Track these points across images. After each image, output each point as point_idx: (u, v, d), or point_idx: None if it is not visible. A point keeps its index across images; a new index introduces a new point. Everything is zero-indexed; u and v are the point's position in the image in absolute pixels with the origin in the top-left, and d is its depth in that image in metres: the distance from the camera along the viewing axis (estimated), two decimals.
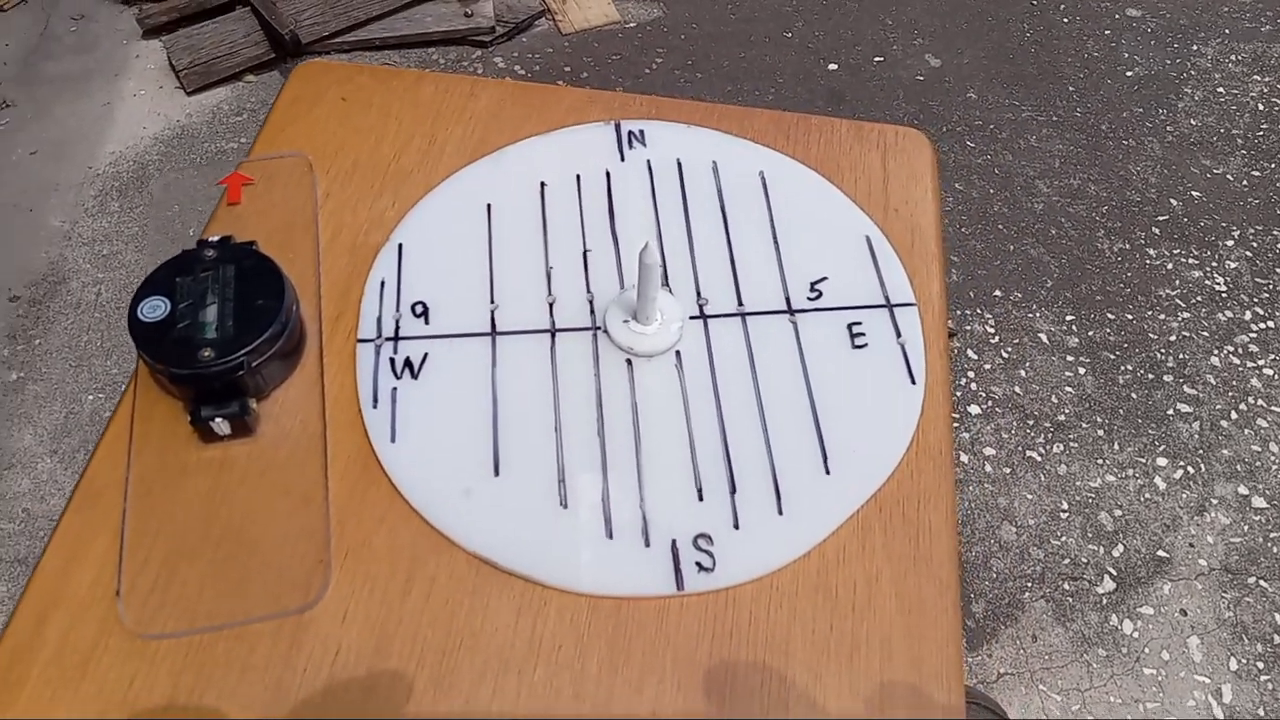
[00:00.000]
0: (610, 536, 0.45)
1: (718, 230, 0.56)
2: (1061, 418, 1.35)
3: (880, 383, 0.50)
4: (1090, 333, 1.44)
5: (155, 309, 0.47)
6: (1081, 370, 1.40)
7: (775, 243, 0.55)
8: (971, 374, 1.39)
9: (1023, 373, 1.39)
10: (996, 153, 1.67)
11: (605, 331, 0.51)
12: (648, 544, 0.44)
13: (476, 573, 0.44)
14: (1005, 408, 1.36)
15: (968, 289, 1.48)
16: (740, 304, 0.52)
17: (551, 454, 0.47)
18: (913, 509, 0.47)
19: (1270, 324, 1.46)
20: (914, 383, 0.50)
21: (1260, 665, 1.17)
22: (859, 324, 0.52)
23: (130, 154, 1.64)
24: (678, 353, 0.51)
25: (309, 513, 0.45)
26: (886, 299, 0.53)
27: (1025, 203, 1.59)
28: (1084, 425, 1.35)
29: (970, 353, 1.41)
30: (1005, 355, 1.41)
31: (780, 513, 0.46)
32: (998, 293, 1.48)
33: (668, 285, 0.53)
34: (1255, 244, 1.55)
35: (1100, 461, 1.31)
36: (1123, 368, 1.40)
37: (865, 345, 0.51)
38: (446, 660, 0.42)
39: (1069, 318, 1.45)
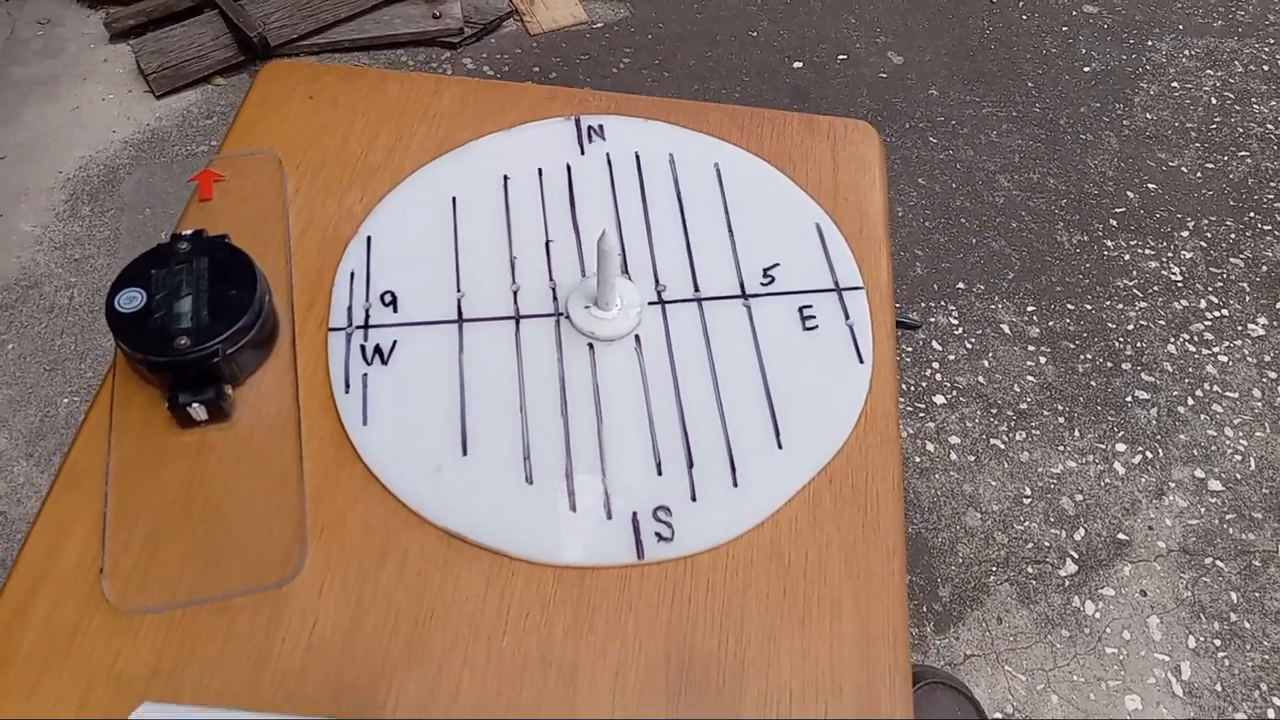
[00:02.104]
0: (574, 510, 0.47)
1: (674, 220, 0.58)
2: (1024, 406, 1.38)
3: (830, 362, 0.52)
4: (1050, 323, 1.47)
5: (132, 300, 0.49)
6: (1043, 360, 1.43)
7: (730, 231, 0.58)
8: (936, 364, 1.42)
9: (986, 363, 1.42)
10: (958, 148, 1.70)
11: (568, 317, 0.53)
12: (609, 516, 0.47)
13: (447, 547, 0.46)
14: (969, 397, 1.39)
15: (931, 281, 1.51)
16: (697, 290, 0.55)
17: (517, 433, 0.49)
18: (861, 481, 0.49)
19: (1224, 312, 1.50)
20: (862, 362, 0.52)
21: (1217, 643, 1.21)
22: (809, 307, 0.54)
23: (100, 158, 1.64)
24: (637, 337, 0.53)
25: (285, 493, 0.47)
26: (836, 283, 0.55)
27: (987, 197, 1.63)
28: (1045, 413, 1.38)
29: (935, 344, 1.44)
30: (969, 346, 1.44)
31: (735, 485, 0.48)
32: (961, 285, 1.51)
33: (627, 273, 0.55)
34: (1209, 234, 1.59)
35: (1061, 448, 1.35)
36: (1082, 356, 1.44)
37: (816, 327, 0.54)
38: (420, 629, 0.44)
39: (1030, 308, 1.49)
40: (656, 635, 0.44)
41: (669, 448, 0.49)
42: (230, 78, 1.77)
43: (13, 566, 0.45)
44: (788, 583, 0.46)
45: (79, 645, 0.43)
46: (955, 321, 1.47)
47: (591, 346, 0.52)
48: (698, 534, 0.46)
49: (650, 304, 0.54)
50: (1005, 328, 1.46)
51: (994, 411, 1.38)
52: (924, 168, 1.66)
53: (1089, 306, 1.49)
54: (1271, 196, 1.65)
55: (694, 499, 0.47)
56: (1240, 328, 1.48)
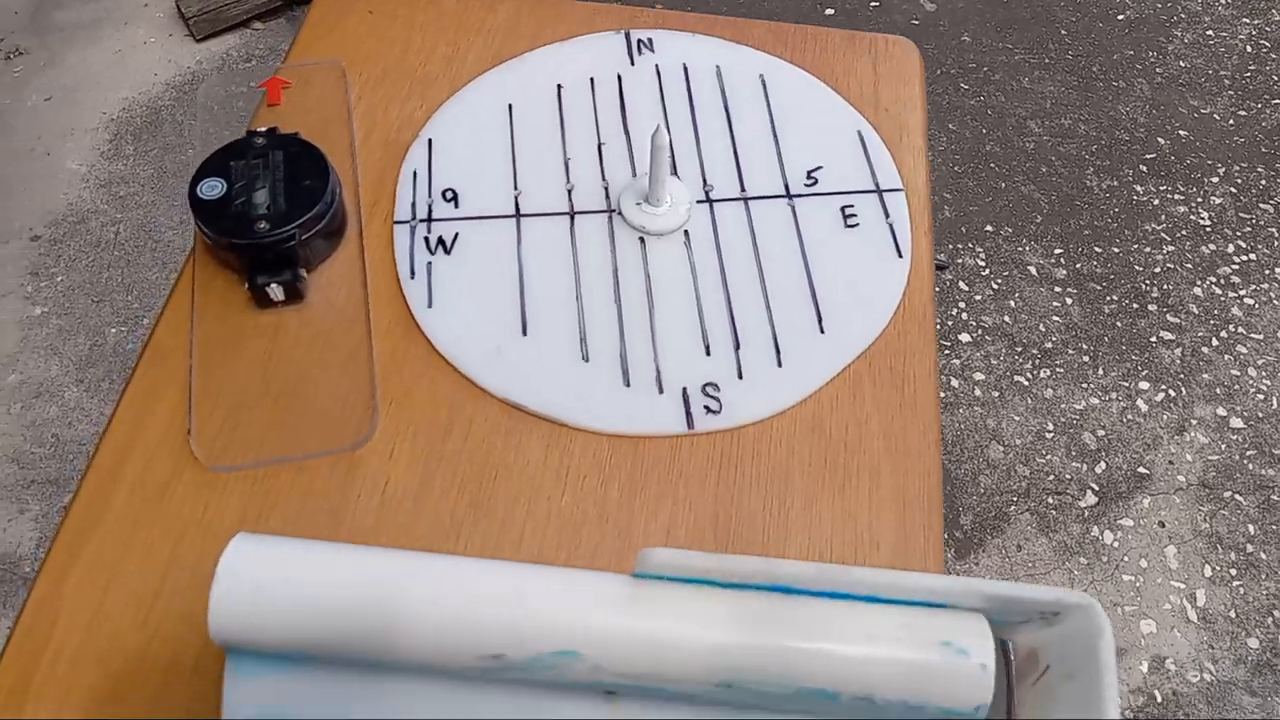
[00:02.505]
0: (628, 385, 0.50)
1: (722, 127, 0.60)
2: (1049, 345, 1.40)
3: (870, 257, 0.55)
4: (1078, 265, 1.49)
5: (213, 188, 0.52)
6: (1069, 300, 1.45)
7: (775, 137, 0.60)
8: (962, 304, 1.44)
9: (1012, 303, 1.44)
10: (989, 94, 1.71)
11: (619, 213, 0.56)
12: (661, 391, 0.50)
13: (509, 417, 0.49)
14: (994, 336, 1.41)
15: (959, 224, 1.53)
16: (743, 190, 0.57)
17: (574, 317, 0.52)
18: (899, 363, 0.52)
19: (1252, 256, 1.51)
20: (900, 256, 0.55)
21: (1233, 572, 1.24)
22: (850, 207, 0.57)
23: (143, 99, 1.68)
24: (686, 232, 0.56)
25: (356, 368, 0.50)
26: (876, 185, 0.58)
27: (1017, 142, 1.64)
28: (1070, 352, 1.40)
29: (962, 284, 1.46)
30: (995, 286, 1.46)
31: (780, 365, 0.51)
32: (989, 228, 1.52)
33: (676, 174, 0.58)
34: (1240, 180, 1.60)
35: (1085, 385, 1.37)
36: (1108, 298, 1.45)
37: (856, 225, 0.56)
38: (484, 488, 0.47)
39: (1057, 251, 1.50)
40: (705, 497, 0.47)
41: (717, 331, 0.52)
42: (268, 22, 1.79)
43: (101, 437, 0.49)
44: (829, 453, 0.49)
45: (169, 500, 0.47)
46: (982, 263, 1.49)
47: (643, 241, 0.55)
48: (744, 408, 0.49)
49: (699, 203, 0.57)
50: (1032, 269, 1.48)
51: (1019, 350, 1.40)
52: (954, 114, 1.67)
53: (1116, 250, 1.50)
54: None
55: (740, 377, 0.50)
56: (1267, 271, 1.49)
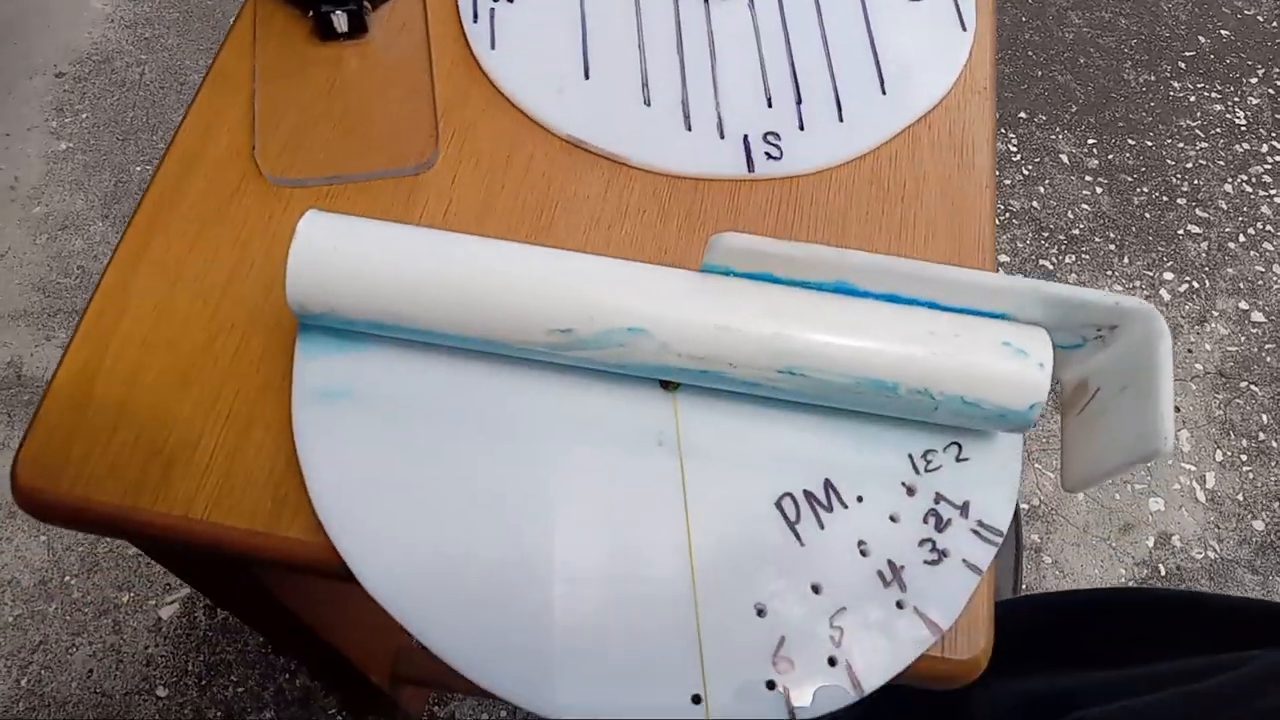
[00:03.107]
0: (689, 129, 0.50)
1: None
2: (1076, 232, 1.40)
3: (935, 28, 0.54)
4: (1110, 156, 1.47)
5: None
6: (1099, 190, 1.44)
7: None
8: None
9: (1041, 189, 1.43)
10: None
11: None
12: (722, 136, 0.50)
13: (569, 154, 0.50)
14: (1022, 220, 1.41)
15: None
16: None
17: (636, 65, 0.52)
18: (958, 129, 0.52)
19: None
20: (964, 29, 0.55)
21: (1244, 458, 1.25)
22: None
23: None
24: None
25: (418, 100, 0.50)
26: None
27: (1056, 32, 1.61)
28: (1096, 240, 1.40)
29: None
30: (1025, 173, 1.45)
31: (841, 120, 0.51)
32: (1023, 115, 1.51)
33: None
34: (1279, 82, 1.57)
35: (1109, 272, 1.37)
36: (1139, 189, 1.45)
37: None
38: (544, 216, 0.48)
39: (1090, 141, 1.49)
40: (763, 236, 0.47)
41: (779, 86, 0.52)
42: None
43: (167, 149, 0.49)
44: (886, 204, 0.49)
45: (235, 208, 0.47)
46: (1014, 149, 1.47)
47: (706, 2, 0.55)
48: (804, 157, 0.50)
49: None
50: (1064, 158, 1.47)
51: (1045, 235, 1.39)
52: None
53: (1150, 143, 1.49)
54: None
55: (801, 128, 0.50)
56: None
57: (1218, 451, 1.25)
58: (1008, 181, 1.44)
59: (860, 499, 0.39)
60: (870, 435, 0.40)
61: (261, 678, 1.05)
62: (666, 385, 0.41)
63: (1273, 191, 1.46)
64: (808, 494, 0.39)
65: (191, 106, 0.50)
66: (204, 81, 0.51)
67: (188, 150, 0.49)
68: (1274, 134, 1.52)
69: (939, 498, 0.39)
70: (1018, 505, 1.14)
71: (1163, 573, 1.18)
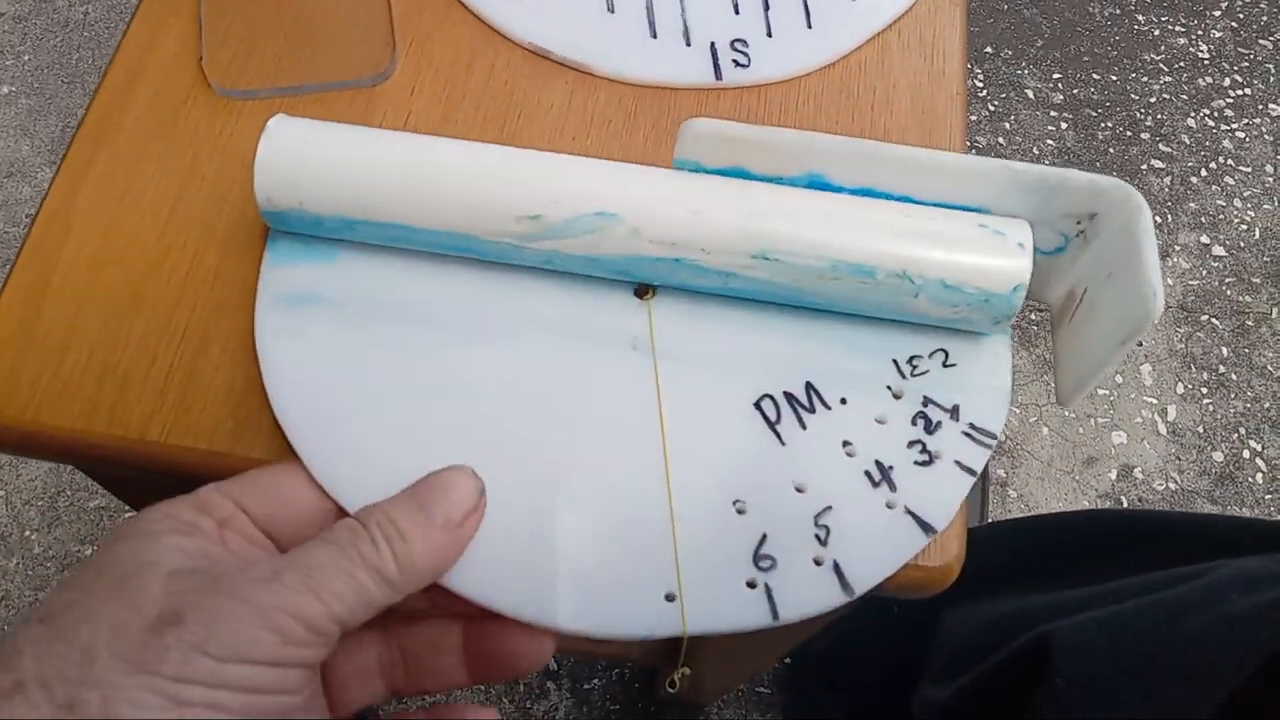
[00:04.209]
0: (654, 37, 0.49)
1: None
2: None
3: None
4: (1075, 91, 1.47)
5: None
6: (1064, 125, 1.44)
7: None
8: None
9: (1007, 125, 1.43)
10: None
11: None
12: (688, 44, 0.49)
13: (531, 62, 0.48)
14: (988, 155, 1.40)
15: None
16: None
17: None
18: (929, 36, 0.51)
19: (1247, 90, 1.50)
20: None
21: (1204, 390, 1.27)
22: None
23: None
24: None
25: (373, 9, 0.49)
26: None
27: None
28: None
29: None
30: (991, 108, 1.45)
31: (809, 26, 0.50)
32: (989, 49, 1.50)
33: None
34: (1241, 15, 1.58)
35: None
36: (1103, 124, 1.45)
37: None
38: (508, 126, 0.46)
39: (1056, 76, 1.48)
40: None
41: None
42: None
43: (111, 59, 0.47)
44: (856, 113, 0.48)
45: (185, 119, 0.45)
46: (980, 84, 1.47)
47: None
48: (773, 65, 0.48)
49: None
50: (1030, 93, 1.46)
51: None
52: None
53: (1114, 78, 1.49)
54: None
55: (770, 35, 0.49)
56: (1261, 106, 1.48)
57: (1179, 384, 1.27)
58: (975, 117, 1.43)
59: (844, 401, 0.38)
60: (852, 340, 0.39)
61: None
62: (641, 295, 0.40)
63: (1234, 126, 1.46)
64: (788, 395, 0.38)
65: (134, 17, 0.48)
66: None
67: (132, 62, 0.47)
68: (1236, 67, 1.52)
69: (927, 401, 0.38)
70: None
71: (1125, 504, 1.20)
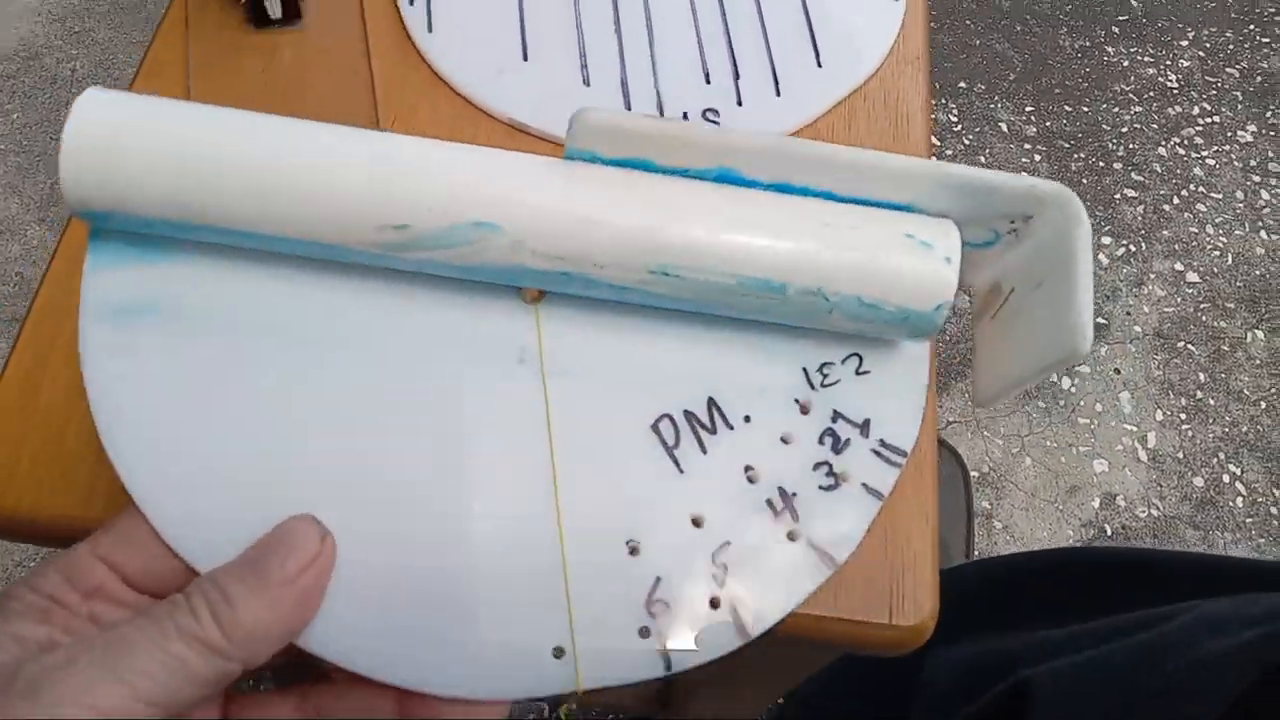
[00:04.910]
0: (629, 108, 0.50)
1: None
2: None
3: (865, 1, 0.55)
4: (1048, 123, 1.50)
5: None
6: (1038, 157, 1.47)
7: None
8: (933, 159, 1.45)
9: (982, 158, 1.46)
10: None
11: None
12: (662, 114, 0.50)
13: (512, 136, 0.50)
14: None
15: (934, 80, 1.53)
16: None
17: (574, 43, 0.52)
18: (893, 100, 0.53)
19: (1215, 119, 1.53)
20: (895, 0, 0.55)
21: (1183, 416, 1.29)
22: None
23: None
24: None
25: (356, 86, 0.50)
26: None
27: (993, 0, 1.63)
28: None
29: (934, 139, 1.47)
30: (966, 142, 1.47)
31: (778, 95, 0.51)
32: (962, 84, 1.53)
33: None
34: (1208, 45, 1.61)
35: None
36: (1076, 155, 1.47)
37: None
38: None
39: (1029, 108, 1.51)
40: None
41: (716, 62, 0.52)
42: None
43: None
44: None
45: None
46: (955, 119, 1.49)
47: None
48: None
49: None
50: (1003, 126, 1.49)
51: None
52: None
53: (1086, 109, 1.52)
54: (1272, 10, 1.66)
55: (740, 104, 0.51)
56: (1230, 134, 1.51)
57: (1158, 411, 1.29)
58: (950, 151, 1.46)
59: (748, 419, 0.35)
60: (760, 347, 0.36)
61: None
62: (529, 298, 0.36)
63: (1204, 154, 1.49)
64: (688, 414, 0.34)
65: (132, 84, 0.49)
66: (137, 74, 0.50)
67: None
68: (1204, 95, 1.56)
69: (836, 415, 0.35)
70: (965, 466, 1.17)
71: (1109, 532, 1.21)
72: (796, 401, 0.35)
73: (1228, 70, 1.58)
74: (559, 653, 0.31)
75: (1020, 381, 0.34)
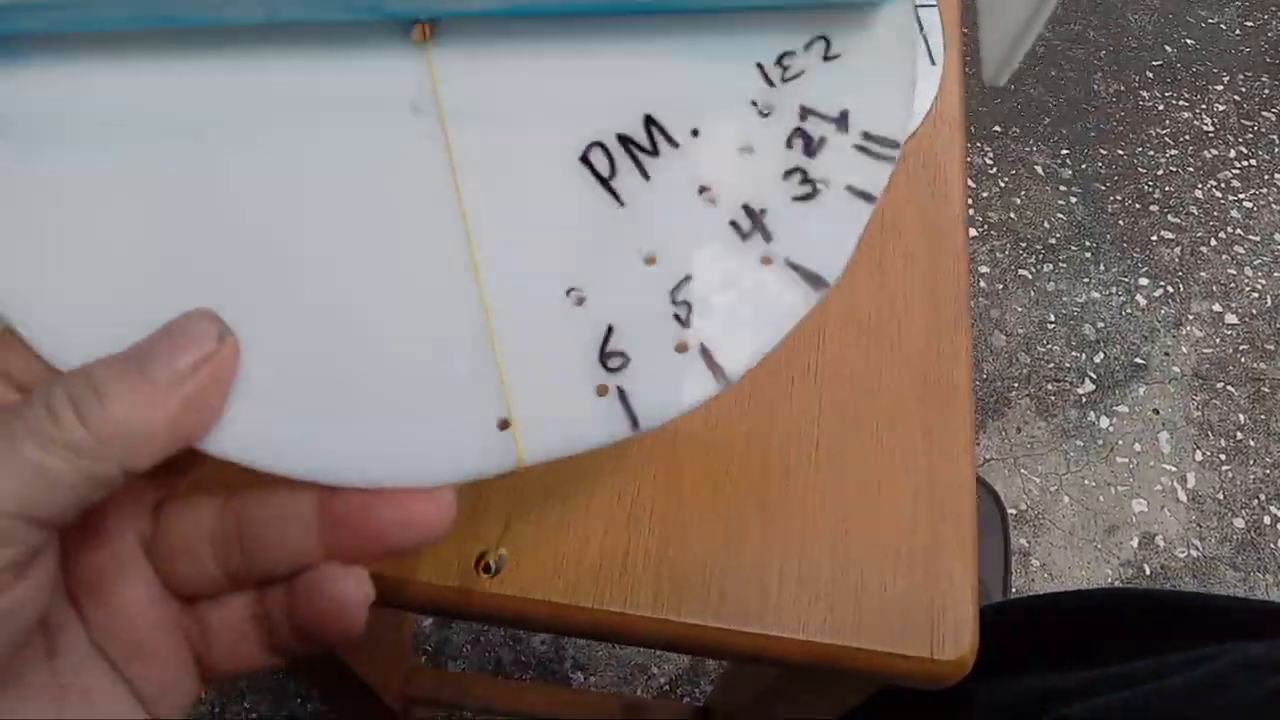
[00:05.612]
0: None
1: None
2: (1052, 241, 1.44)
3: None
4: (1083, 166, 1.52)
5: None
6: (1073, 199, 1.48)
7: None
8: (969, 201, 1.47)
9: (1018, 200, 1.48)
10: None
11: None
12: None
13: None
14: (1000, 231, 1.45)
15: (969, 124, 1.55)
16: None
17: None
18: (931, 161, 0.55)
19: (1252, 161, 1.54)
20: (934, 63, 0.58)
21: (1223, 457, 1.29)
22: None
23: None
24: None
25: None
26: None
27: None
28: (1073, 248, 1.44)
29: (969, 182, 1.49)
30: (1002, 185, 1.49)
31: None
32: (997, 128, 1.55)
33: None
34: (1244, 89, 1.62)
35: (1086, 280, 1.41)
36: (1112, 198, 1.49)
37: None
38: None
39: (1064, 152, 1.53)
40: None
41: None
42: None
43: None
44: (867, 235, 0.52)
45: None
46: (990, 162, 1.52)
47: None
48: None
49: None
50: (1039, 169, 1.51)
51: (1023, 245, 1.43)
52: (966, 17, 1.69)
53: (1121, 152, 1.54)
54: None
55: None
56: (1267, 177, 1.52)
57: (1197, 452, 1.29)
58: (985, 194, 1.48)
59: (696, 133, 0.29)
60: (699, 50, 0.30)
61: (275, 703, 1.07)
62: (417, 37, 0.31)
63: (1241, 196, 1.50)
64: (623, 139, 0.29)
65: None
66: None
67: None
68: (1241, 139, 1.57)
69: (805, 113, 0.29)
70: (1002, 504, 1.18)
71: (1148, 572, 1.21)
72: (754, 104, 0.29)
73: (1264, 114, 1.59)
74: (504, 425, 0.26)
75: (1017, 39, 0.30)
